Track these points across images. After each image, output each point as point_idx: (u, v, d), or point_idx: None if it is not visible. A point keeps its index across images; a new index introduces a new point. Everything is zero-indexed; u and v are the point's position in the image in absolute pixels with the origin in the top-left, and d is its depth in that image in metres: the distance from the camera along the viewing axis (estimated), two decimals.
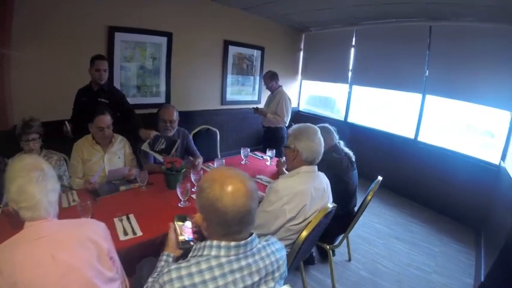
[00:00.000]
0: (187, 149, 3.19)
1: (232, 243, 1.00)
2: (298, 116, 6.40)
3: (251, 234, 1.07)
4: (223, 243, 1.00)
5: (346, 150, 2.62)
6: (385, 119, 5.20)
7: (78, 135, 2.69)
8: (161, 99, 4.49)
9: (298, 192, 1.71)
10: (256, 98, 5.76)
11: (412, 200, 4.51)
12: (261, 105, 4.73)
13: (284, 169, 2.79)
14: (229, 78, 5.27)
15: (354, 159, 2.61)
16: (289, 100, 4.22)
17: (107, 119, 2.54)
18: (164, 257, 1.26)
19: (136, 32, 4.01)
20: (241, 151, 3.27)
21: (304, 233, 1.71)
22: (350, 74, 5.42)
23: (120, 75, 4.03)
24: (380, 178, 2.56)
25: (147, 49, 4.23)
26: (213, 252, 0.99)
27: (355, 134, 5.23)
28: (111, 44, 3.82)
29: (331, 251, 2.49)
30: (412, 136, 4.63)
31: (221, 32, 4.94)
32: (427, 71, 4.37)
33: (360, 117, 5.61)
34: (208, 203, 1.00)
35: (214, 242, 1.01)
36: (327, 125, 2.64)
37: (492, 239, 3.13)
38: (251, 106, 4.42)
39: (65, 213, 1.75)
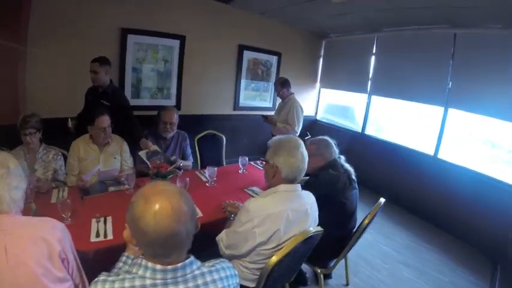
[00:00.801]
0: (182, 152, 3.17)
1: (158, 267, 0.91)
2: (315, 125, 6.23)
3: (188, 258, 0.96)
4: (150, 264, 0.91)
5: (347, 166, 2.39)
6: (404, 132, 4.89)
7: (81, 131, 2.73)
8: (172, 102, 4.51)
9: (271, 215, 1.54)
10: (270, 105, 5.62)
11: (428, 222, 4.17)
12: (273, 113, 4.58)
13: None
14: (243, 83, 5.18)
15: (354, 177, 2.38)
16: (301, 109, 4.06)
17: (106, 119, 2.55)
18: (124, 258, 1.25)
19: (149, 34, 4.05)
20: (239, 159, 3.14)
21: (274, 259, 1.54)
22: (369, 83, 5.15)
23: (132, 77, 4.08)
24: (382, 200, 2.31)
25: (159, 52, 4.25)
26: (140, 272, 0.91)
27: (371, 147, 5.03)
28: (124, 46, 3.88)
29: (322, 275, 2.29)
30: (431, 153, 4.29)
31: (236, 36, 4.87)
32: (450, 83, 4.04)
33: (377, 129, 5.32)
34: (133, 220, 0.90)
35: (143, 262, 0.92)
36: (326, 137, 2.45)
37: (510, 274, 2.83)
38: (261, 113, 4.32)
39: (52, 208, 1.88)
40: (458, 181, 3.89)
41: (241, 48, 4.95)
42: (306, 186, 2.22)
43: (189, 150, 3.24)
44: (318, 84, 6.29)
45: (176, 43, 4.33)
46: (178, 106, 4.54)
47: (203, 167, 3.22)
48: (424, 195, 4.27)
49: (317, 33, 5.83)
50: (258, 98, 5.37)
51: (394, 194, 4.63)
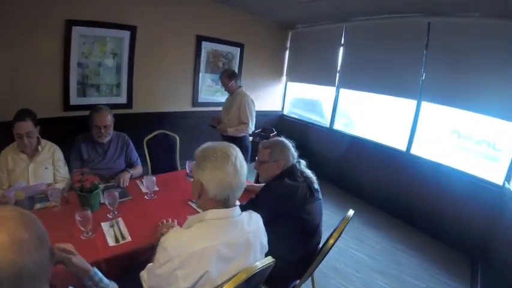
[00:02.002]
0: (128, 157, 2.77)
1: None
2: (282, 121, 5.92)
3: None
4: None
5: (307, 173, 1.98)
6: (375, 127, 4.65)
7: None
8: (122, 99, 4.05)
9: (195, 254, 1.11)
10: None
11: (403, 221, 3.96)
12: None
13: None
14: (203, 77, 4.74)
15: (316, 186, 1.98)
16: (253, 102, 3.65)
17: (26, 125, 2.18)
18: None
19: (96, 25, 3.58)
20: (187, 164, 2.70)
21: None
22: (337, 76, 4.86)
23: (77, 73, 3.61)
24: (351, 213, 1.94)
25: (108, 44, 3.77)
26: None
27: (340, 143, 4.77)
28: (68, 39, 3.42)
29: None
30: (404, 148, 4.06)
31: (193, 26, 4.42)
32: (424, 74, 3.81)
33: (346, 124, 5.07)
34: None
35: None
36: (281, 139, 2.06)
37: (491, 273, 2.66)
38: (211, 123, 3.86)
39: None
40: (432, 177, 3.72)
41: (200, 39, 4.51)
42: (254, 200, 1.91)
43: (135, 154, 2.83)
44: (284, 78, 5.97)
45: (126, 34, 3.85)
46: (129, 104, 4.09)
47: (154, 172, 2.82)
48: (397, 192, 4.06)
49: (283, 23, 5.49)
50: (219, 93, 4.91)
51: (366, 192, 4.43)
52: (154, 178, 2.25)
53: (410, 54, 3.91)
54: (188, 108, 4.62)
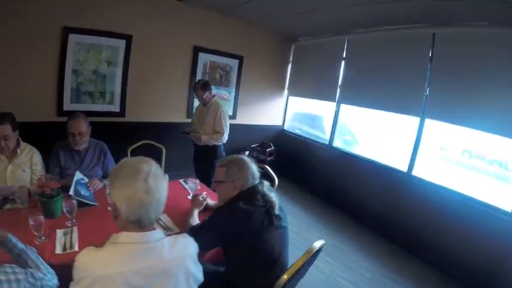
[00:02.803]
0: (103, 167, 2.68)
1: None
2: (282, 136, 5.75)
3: None
4: None
5: (270, 196, 1.71)
6: (376, 145, 4.38)
7: None
8: (115, 108, 4.04)
9: (102, 279, 0.98)
10: (230, 112, 5.08)
11: (401, 249, 3.60)
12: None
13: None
14: None
15: (279, 212, 1.70)
16: (227, 112, 3.56)
17: (5, 129, 2.15)
18: None
19: (92, 33, 3.64)
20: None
21: None
22: (338, 91, 4.65)
23: (72, 80, 3.65)
24: (316, 245, 1.66)
25: (103, 52, 3.80)
26: None
27: (338, 161, 4.51)
28: (64, 46, 3.48)
29: None
30: (405, 168, 3.75)
31: (191, 36, 4.39)
32: (428, 89, 3.53)
33: (346, 141, 4.82)
34: None
35: None
36: (241, 156, 1.86)
37: None
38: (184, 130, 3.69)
39: None
40: (435, 201, 3.38)
41: (197, 50, 4.47)
42: (205, 223, 1.73)
43: (112, 164, 2.72)
44: (286, 92, 5.81)
45: (122, 43, 3.88)
46: (122, 112, 4.06)
47: None
48: (395, 216, 3.74)
49: (285, 36, 5.38)
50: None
51: (362, 214, 4.16)
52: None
53: (414, 67, 3.67)
54: (182, 119, 4.52)
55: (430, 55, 3.50)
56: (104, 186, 2.42)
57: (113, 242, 1.08)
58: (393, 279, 3.04)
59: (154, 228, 1.14)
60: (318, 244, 1.68)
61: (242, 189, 1.73)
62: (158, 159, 3.33)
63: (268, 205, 1.66)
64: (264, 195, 1.70)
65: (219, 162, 1.85)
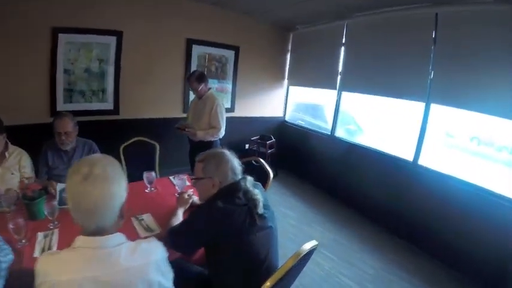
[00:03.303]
0: None
1: None
2: (284, 127, 5.59)
3: None
4: None
5: (253, 193, 1.54)
6: (379, 134, 4.18)
7: None
8: (109, 105, 3.97)
9: (59, 284, 0.92)
10: (228, 105, 4.94)
11: (407, 242, 3.43)
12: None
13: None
14: None
15: (263, 210, 1.52)
16: (223, 105, 3.37)
17: None
18: None
19: (82, 32, 3.60)
20: (144, 175, 2.45)
21: None
22: (339, 78, 4.44)
23: (64, 80, 3.60)
24: (306, 248, 1.45)
25: (93, 50, 3.75)
26: None
27: (341, 152, 4.34)
28: (55, 46, 3.45)
29: None
30: (410, 158, 3.54)
31: (183, 29, 4.26)
32: (432, 72, 3.31)
33: (348, 130, 4.63)
34: None
35: None
36: (220, 150, 1.72)
37: None
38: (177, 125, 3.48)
39: None
40: (442, 192, 3.17)
41: (190, 43, 4.33)
42: (183, 224, 1.62)
43: None
44: (285, 82, 5.62)
45: (112, 40, 3.80)
46: (116, 110, 4.00)
47: (130, 181, 2.59)
48: (401, 208, 3.55)
49: (282, 25, 5.17)
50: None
51: (366, 206, 3.99)
52: None
53: (417, 50, 3.43)
54: (179, 114, 4.41)
55: (433, 36, 3.26)
56: None
57: (72, 246, 1.00)
58: (398, 276, 2.88)
59: (111, 232, 1.02)
60: (307, 246, 1.51)
61: (222, 186, 1.60)
62: (152, 156, 3.31)
63: (250, 203, 1.51)
64: (246, 192, 1.55)
65: (197, 157, 1.71)
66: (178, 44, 4.29)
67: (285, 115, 5.75)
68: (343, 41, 4.33)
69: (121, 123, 4.01)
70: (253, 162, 2.70)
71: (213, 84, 4.67)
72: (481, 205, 2.85)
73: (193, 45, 4.36)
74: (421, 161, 3.46)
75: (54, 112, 3.49)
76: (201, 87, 3.29)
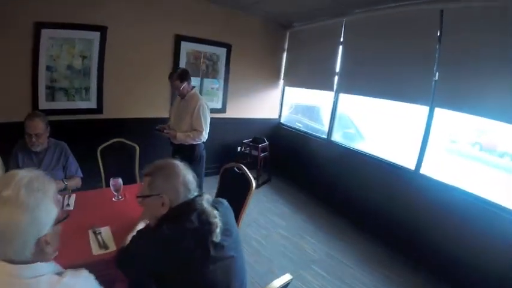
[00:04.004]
0: (64, 169, 2.50)
1: None
2: (279, 130, 5.34)
3: None
4: None
5: (210, 215, 1.25)
6: (379, 139, 3.91)
7: None
8: (92, 104, 3.78)
9: None
10: (219, 105, 4.70)
11: (405, 258, 3.14)
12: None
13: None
14: None
15: (220, 238, 1.23)
16: (207, 106, 3.11)
17: None
18: None
19: (64, 27, 3.44)
20: (111, 182, 2.23)
21: None
22: (336, 79, 4.17)
23: (46, 77, 3.44)
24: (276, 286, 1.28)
25: (76, 46, 3.56)
26: None
27: (337, 157, 4.08)
28: (37, 42, 3.29)
29: None
30: (412, 166, 3.26)
31: (172, 25, 4.03)
32: (437, 74, 3.03)
33: (345, 135, 4.36)
34: None
35: None
36: (171, 161, 1.39)
37: None
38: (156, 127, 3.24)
39: None
40: (446, 204, 2.89)
41: (179, 39, 4.10)
42: (124, 250, 1.36)
43: (74, 165, 2.57)
44: (281, 82, 5.35)
45: (96, 36, 3.61)
46: (100, 109, 3.80)
47: (108, 185, 2.50)
48: (401, 221, 3.27)
49: (278, 22, 4.92)
50: (203, 97, 4.47)
51: (362, 217, 3.74)
52: (59, 196, 1.85)
53: (420, 49, 3.16)
54: (165, 114, 4.13)
55: (438, 35, 2.99)
56: (65, 188, 2.32)
57: None
58: None
59: (32, 262, 0.87)
60: (277, 284, 1.28)
61: (173, 206, 1.30)
62: (132, 159, 3.09)
63: (205, 228, 1.22)
64: (201, 214, 1.25)
65: (144, 171, 1.41)
66: (166, 40, 4.06)
67: (280, 117, 5.49)
68: (341, 40, 4.06)
69: (105, 123, 3.81)
70: (236, 170, 2.44)
71: (215, 84, 4.51)
72: (482, 216, 2.61)
73: (182, 42, 4.12)
74: (423, 170, 3.18)
75: (37, 110, 3.32)
76: (183, 86, 3.03)
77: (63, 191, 2.30)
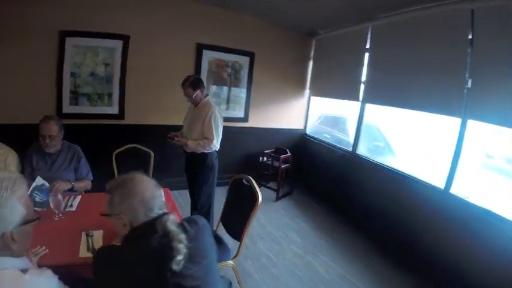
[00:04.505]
0: (76, 171, 2.58)
1: None
2: (304, 141, 5.14)
3: None
4: None
5: (174, 239, 1.11)
6: (406, 153, 3.57)
7: None
8: (114, 110, 3.91)
9: None
10: (242, 115, 4.63)
11: (431, 285, 2.77)
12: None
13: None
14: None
15: (183, 266, 1.09)
16: (220, 115, 3.01)
17: None
18: None
19: (88, 35, 3.60)
20: None
21: None
22: (362, 87, 3.90)
23: (70, 83, 3.61)
24: None
25: (100, 54, 3.72)
26: None
27: (362, 172, 3.80)
28: (62, 50, 3.47)
29: None
30: (441, 185, 2.91)
31: (193, 33, 4.07)
32: (470, 81, 2.69)
33: (371, 149, 4.06)
34: None
35: None
36: (131, 176, 1.26)
37: None
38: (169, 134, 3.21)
39: None
40: (479, 231, 2.50)
41: (200, 48, 4.12)
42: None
43: (85, 168, 2.64)
44: (307, 92, 5.16)
45: (118, 44, 3.75)
46: (121, 114, 3.91)
47: None
48: (427, 247, 2.91)
49: (303, 30, 4.76)
50: (223, 106, 4.44)
51: (383, 236, 3.40)
52: (60, 196, 1.95)
53: (450, 54, 2.83)
54: None
55: (470, 37, 2.67)
56: (72, 188, 2.38)
57: None
58: None
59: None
60: None
61: (134, 226, 1.18)
62: (146, 165, 3.18)
63: (166, 253, 1.08)
64: (164, 237, 1.11)
65: (107, 186, 1.28)
66: (188, 48, 4.11)
67: (305, 128, 5.28)
68: (367, 46, 3.82)
69: (126, 128, 3.92)
70: (244, 182, 2.33)
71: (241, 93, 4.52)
72: None
73: (204, 51, 4.15)
74: (454, 189, 2.82)
75: (60, 114, 3.51)
76: (196, 93, 2.98)
77: (70, 192, 2.36)
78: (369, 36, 3.79)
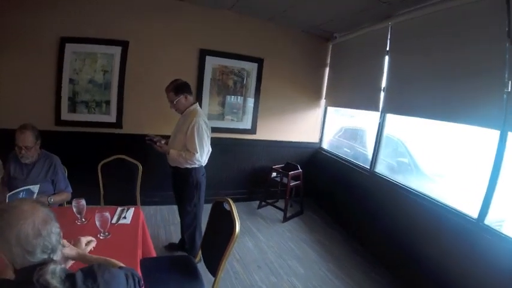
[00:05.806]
0: (53, 183, 2.47)
1: None
2: (319, 156, 4.68)
3: None
4: None
5: None
6: (431, 172, 3.00)
7: None
8: (111, 118, 3.77)
9: None
10: (248, 126, 4.26)
11: None
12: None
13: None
14: (207, 97, 4.01)
15: None
16: (206, 125, 2.65)
17: None
18: None
19: (87, 42, 3.50)
20: (73, 204, 1.98)
21: None
22: (382, 96, 3.39)
23: (68, 89, 3.55)
24: None
25: (98, 61, 3.64)
26: None
27: (382, 194, 3.30)
28: (61, 56, 3.44)
29: None
30: (475, 214, 2.34)
31: (196, 38, 3.84)
32: (510, 84, 2.16)
33: (391, 167, 3.50)
34: None
35: None
36: (14, 203, 0.97)
37: None
38: (148, 134, 2.84)
39: None
40: None
41: (204, 54, 3.86)
42: None
43: (63, 180, 2.52)
44: (323, 102, 4.68)
45: (117, 50, 3.63)
46: (119, 123, 3.74)
47: (108, 203, 2.73)
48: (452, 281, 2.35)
49: (317, 33, 4.33)
50: (228, 116, 4.13)
51: (406, 273, 2.82)
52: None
53: (485, 54, 2.33)
54: None
55: (506, 33, 2.14)
56: (49, 204, 2.29)
57: None
58: None
59: None
60: None
61: (17, 268, 0.90)
62: (132, 179, 2.95)
63: None
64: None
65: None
66: (190, 55, 3.87)
67: (321, 141, 4.79)
68: (387, 48, 3.33)
69: (123, 138, 3.74)
70: (224, 206, 1.95)
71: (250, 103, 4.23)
72: None
73: (207, 57, 3.88)
74: (490, 220, 2.24)
75: (59, 120, 3.52)
76: (179, 99, 2.66)
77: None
78: (389, 37, 3.30)
